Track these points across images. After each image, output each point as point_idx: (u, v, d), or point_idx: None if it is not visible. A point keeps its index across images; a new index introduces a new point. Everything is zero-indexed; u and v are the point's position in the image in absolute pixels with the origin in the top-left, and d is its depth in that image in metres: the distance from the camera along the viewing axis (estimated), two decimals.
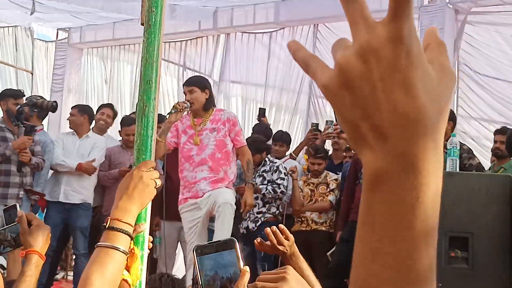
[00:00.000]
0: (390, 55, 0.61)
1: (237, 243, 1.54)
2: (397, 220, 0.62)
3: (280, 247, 2.41)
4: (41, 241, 2.35)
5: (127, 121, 7.57)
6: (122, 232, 1.89)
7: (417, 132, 0.61)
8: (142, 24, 2.30)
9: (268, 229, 2.50)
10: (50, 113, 7.75)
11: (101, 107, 8.44)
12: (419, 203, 0.62)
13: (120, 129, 7.93)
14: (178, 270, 7.79)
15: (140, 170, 2.05)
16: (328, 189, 7.24)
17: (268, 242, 2.48)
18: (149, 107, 2.24)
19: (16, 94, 7.22)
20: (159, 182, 2.08)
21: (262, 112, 9.09)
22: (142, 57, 2.27)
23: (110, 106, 8.57)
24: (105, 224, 1.92)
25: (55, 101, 6.94)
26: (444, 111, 0.63)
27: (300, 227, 7.19)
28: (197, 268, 1.58)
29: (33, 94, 9.52)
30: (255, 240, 2.55)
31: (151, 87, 2.25)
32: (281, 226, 2.53)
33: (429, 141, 0.62)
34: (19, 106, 6.84)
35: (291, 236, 2.50)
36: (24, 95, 7.29)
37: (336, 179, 7.29)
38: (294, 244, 2.47)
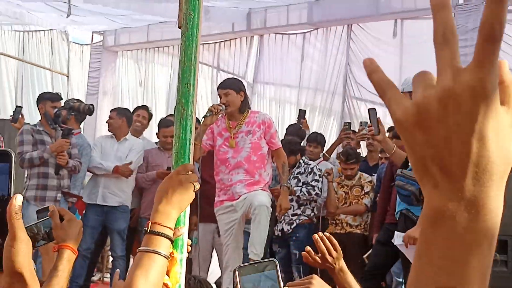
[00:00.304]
0: (470, 104, 0.63)
1: (277, 264, 1.54)
2: (455, 257, 0.65)
3: (328, 260, 2.38)
4: (73, 236, 2.35)
5: (164, 123, 7.61)
6: (163, 236, 1.90)
7: (485, 179, 0.64)
8: (180, 28, 2.29)
9: (316, 236, 2.47)
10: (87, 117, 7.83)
11: (137, 109, 8.49)
12: (477, 243, 0.65)
13: (157, 131, 7.97)
14: (212, 273, 7.80)
15: (179, 173, 2.05)
16: (363, 192, 7.20)
17: (315, 256, 2.44)
18: (188, 110, 2.24)
19: (54, 97, 7.28)
20: (197, 185, 2.06)
21: (302, 113, 9.05)
22: (180, 60, 2.26)
23: (145, 108, 8.62)
24: (146, 228, 1.93)
25: (92, 104, 7.01)
26: (511, 159, 0.66)
27: (335, 229, 7.15)
28: (239, 285, 1.58)
29: (69, 98, 9.63)
30: (304, 252, 2.51)
31: (189, 90, 2.25)
32: (328, 234, 2.49)
33: (494, 189, 0.65)
34: (56, 109, 6.91)
35: (339, 249, 2.46)
36: (62, 98, 7.37)
37: (370, 181, 7.23)
38: (342, 259, 2.43)
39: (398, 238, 5.39)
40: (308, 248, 2.48)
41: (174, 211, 1.97)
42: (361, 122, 7.65)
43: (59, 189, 6.93)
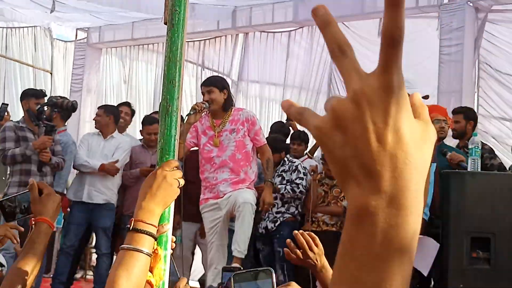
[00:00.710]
0: (382, 101, 0.67)
1: (273, 273, 1.55)
2: (376, 252, 0.67)
3: (310, 257, 2.38)
4: (51, 210, 2.34)
5: (148, 121, 7.59)
6: (146, 233, 1.89)
7: (404, 173, 0.66)
8: (165, 23, 2.28)
9: (296, 231, 2.47)
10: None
11: (119, 105, 8.45)
12: (398, 238, 0.66)
13: (141, 128, 7.95)
14: (195, 271, 7.81)
15: (164, 169, 2.03)
16: (342, 194, 7.21)
17: (295, 254, 2.44)
18: (173, 106, 2.23)
19: (38, 94, 7.23)
20: (182, 182, 2.06)
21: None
22: (165, 56, 2.26)
23: (127, 104, 8.61)
24: (129, 225, 1.92)
25: (75, 101, 6.97)
26: (427, 160, 0.68)
27: (311, 227, 7.15)
28: None
29: (53, 95, 9.56)
30: (285, 249, 2.51)
31: (175, 87, 2.25)
32: (311, 233, 2.50)
33: (414, 183, 0.67)
34: (39, 106, 6.86)
35: (320, 245, 2.46)
36: (46, 95, 7.30)
37: None
38: (324, 256, 2.44)
39: None
40: (291, 243, 2.48)
41: (158, 207, 1.96)
42: None
43: None
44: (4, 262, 5.31)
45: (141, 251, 1.86)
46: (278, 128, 8.16)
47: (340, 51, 0.70)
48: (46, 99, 7.20)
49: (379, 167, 0.66)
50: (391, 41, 0.68)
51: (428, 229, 5.27)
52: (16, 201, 2.45)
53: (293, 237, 7.24)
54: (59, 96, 7.99)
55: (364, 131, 0.67)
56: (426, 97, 6.00)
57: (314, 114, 0.73)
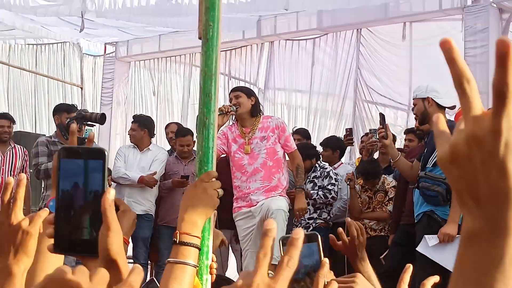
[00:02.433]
0: (490, 144, 0.77)
1: (319, 236, 1.63)
2: (482, 270, 0.80)
3: (355, 246, 2.41)
4: (126, 226, 2.37)
5: (181, 133, 7.69)
6: (191, 246, 1.93)
7: (507, 203, 0.78)
8: (200, 38, 2.34)
9: (348, 219, 2.52)
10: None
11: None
12: (502, 260, 0.79)
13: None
14: (230, 277, 7.86)
15: (203, 181, 2.08)
16: (387, 198, 7.20)
17: (343, 240, 2.48)
18: (209, 119, 2.28)
19: (69, 108, 7.35)
20: (221, 192, 2.10)
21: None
22: (201, 70, 2.32)
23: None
24: (175, 239, 1.95)
25: (103, 113, 7.05)
26: None
27: None
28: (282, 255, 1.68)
29: (83, 108, 9.68)
30: (331, 235, 2.53)
31: (211, 100, 2.29)
32: (360, 224, 2.54)
33: None
34: (68, 119, 6.94)
35: (364, 237, 2.50)
36: (77, 109, 7.41)
37: (394, 186, 7.19)
38: (365, 249, 2.47)
39: (430, 240, 5.41)
40: (342, 232, 2.52)
41: (200, 219, 2.00)
42: (370, 130, 7.67)
43: None
44: None
45: (188, 264, 1.90)
46: (298, 131, 8.21)
47: (460, 88, 0.82)
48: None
49: (486, 199, 0.78)
50: (499, 94, 0.77)
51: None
52: None
53: (325, 243, 7.21)
54: (86, 109, 8.10)
55: (474, 170, 0.78)
56: (452, 108, 6.01)
57: (442, 142, 0.84)
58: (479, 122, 0.79)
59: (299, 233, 1.05)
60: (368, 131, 8.71)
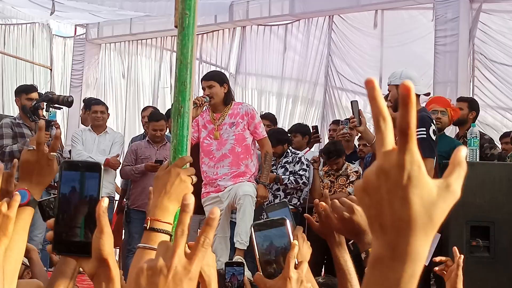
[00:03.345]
0: (395, 176, 0.84)
1: (287, 220, 1.70)
2: None
3: (332, 227, 2.39)
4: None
5: (154, 117, 7.64)
6: (162, 232, 1.92)
7: (407, 232, 0.84)
8: (176, 27, 2.33)
9: (316, 200, 2.48)
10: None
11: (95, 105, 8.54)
12: (399, 283, 0.85)
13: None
14: None
15: (177, 167, 2.07)
16: (348, 181, 7.28)
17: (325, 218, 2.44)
18: (185, 107, 2.27)
19: (28, 89, 7.25)
20: (195, 179, 2.09)
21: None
22: (176, 59, 2.31)
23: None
24: (146, 224, 1.94)
25: (71, 96, 6.96)
26: (436, 217, 0.85)
27: (317, 217, 7.21)
28: (255, 241, 1.73)
29: (52, 90, 9.61)
30: (306, 214, 2.54)
31: (186, 88, 2.28)
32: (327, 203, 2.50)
33: (417, 239, 0.85)
34: (35, 101, 6.86)
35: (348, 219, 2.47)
36: (37, 90, 7.31)
37: (356, 171, 7.30)
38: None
39: None
40: (307, 215, 2.51)
41: (173, 205, 1.98)
42: (341, 121, 7.73)
43: None
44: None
45: None
46: (266, 117, 8.23)
47: (376, 125, 0.87)
48: (41, 94, 7.20)
49: (389, 227, 0.85)
50: (402, 132, 0.84)
51: None
52: (49, 202, 2.49)
53: (294, 228, 7.24)
54: (53, 92, 8.03)
55: (381, 199, 0.85)
56: (427, 95, 6.05)
57: (363, 176, 0.90)
58: (388, 156, 0.85)
59: (215, 213, 1.08)
60: (337, 119, 8.77)
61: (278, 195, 7.12)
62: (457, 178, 0.87)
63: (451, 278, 2.88)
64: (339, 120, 8.68)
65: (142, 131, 8.64)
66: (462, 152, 0.88)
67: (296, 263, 1.62)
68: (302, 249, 2.10)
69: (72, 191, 1.44)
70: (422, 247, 0.86)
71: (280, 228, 1.71)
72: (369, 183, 0.86)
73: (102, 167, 1.47)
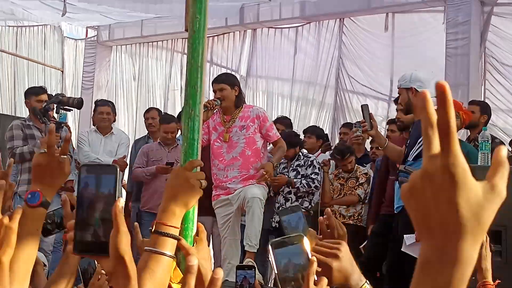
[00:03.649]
0: (439, 179, 0.84)
1: (304, 237, 1.70)
2: None
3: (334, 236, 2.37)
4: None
5: (166, 120, 7.66)
6: (168, 236, 1.91)
7: (455, 235, 0.84)
8: (186, 30, 2.33)
9: (328, 210, 2.46)
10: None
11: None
12: (448, 286, 0.85)
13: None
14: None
15: (186, 170, 2.06)
16: (358, 183, 7.28)
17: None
18: (195, 111, 2.27)
19: (37, 91, 7.27)
20: (204, 183, 2.08)
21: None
22: (187, 62, 2.31)
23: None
24: (151, 228, 1.94)
25: (81, 98, 6.98)
26: (484, 220, 0.85)
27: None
28: (273, 259, 1.75)
29: (63, 92, 9.63)
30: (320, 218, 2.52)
31: (197, 92, 2.28)
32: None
33: (465, 242, 0.84)
34: (45, 103, 6.85)
35: (344, 228, 2.44)
36: (46, 91, 7.34)
37: (366, 173, 7.31)
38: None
39: (408, 239, 5.44)
40: (321, 218, 2.47)
41: (179, 209, 1.98)
42: (354, 124, 7.73)
43: None
44: (45, 261, 5.37)
45: (164, 254, 1.88)
46: (278, 120, 8.24)
47: (424, 132, 0.87)
48: (52, 96, 7.22)
49: (436, 231, 0.85)
50: (443, 134, 0.84)
51: None
52: (51, 217, 2.52)
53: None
54: (63, 94, 8.05)
55: (426, 203, 0.86)
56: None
57: (409, 179, 0.90)
58: (432, 160, 0.85)
59: (219, 274, 1.13)
60: (347, 122, 8.76)
61: (290, 198, 7.13)
62: (501, 178, 0.87)
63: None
64: (350, 123, 8.67)
65: None
66: (503, 152, 0.88)
67: (316, 279, 1.62)
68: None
69: (89, 192, 1.48)
70: (471, 250, 0.85)
71: (297, 245, 1.73)
72: (415, 187, 0.87)
73: (118, 168, 1.51)
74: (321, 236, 2.43)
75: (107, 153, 7.69)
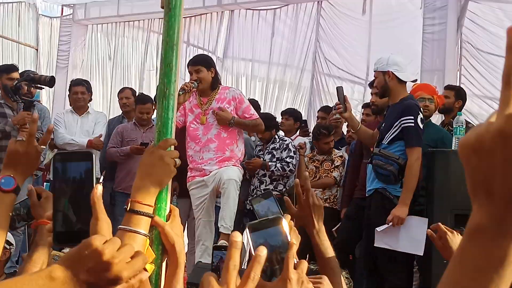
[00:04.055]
0: None
1: (283, 219, 1.67)
2: (480, 268, 0.79)
3: (311, 213, 2.37)
4: (51, 211, 2.38)
5: (141, 100, 7.61)
6: (142, 214, 1.89)
7: None
8: (162, 7, 2.30)
9: (296, 180, 2.46)
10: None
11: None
12: (503, 261, 0.78)
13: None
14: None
15: (160, 149, 2.04)
16: (333, 166, 7.30)
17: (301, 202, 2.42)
18: (170, 90, 2.24)
19: (8, 68, 7.17)
20: (178, 162, 2.06)
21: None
22: (162, 40, 2.28)
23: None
24: (126, 206, 1.91)
25: (53, 76, 6.86)
26: None
27: None
28: (250, 242, 1.72)
29: (37, 70, 9.53)
30: (285, 197, 2.51)
31: (172, 70, 2.26)
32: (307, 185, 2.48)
33: None
34: (16, 81, 6.73)
35: (321, 206, 2.46)
36: (18, 69, 7.23)
37: (341, 156, 7.33)
38: (322, 222, 2.43)
39: (380, 229, 5.46)
40: (286, 198, 2.47)
41: (154, 187, 1.95)
42: (333, 107, 7.75)
43: None
44: (12, 240, 5.33)
45: (138, 232, 1.86)
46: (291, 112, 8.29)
47: (507, 79, 0.78)
48: (19, 74, 7.13)
49: (499, 197, 0.77)
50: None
51: (412, 207, 5.37)
52: (17, 209, 2.49)
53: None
54: (34, 71, 7.95)
55: (494, 165, 0.77)
56: (414, 81, 6.05)
57: (475, 128, 0.81)
58: (511, 120, 0.76)
59: (263, 251, 1.15)
60: (325, 105, 8.77)
61: (264, 181, 7.14)
62: None
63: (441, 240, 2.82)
64: (328, 106, 8.68)
65: None
66: None
67: (295, 262, 1.61)
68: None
69: (66, 182, 1.47)
70: None
71: (275, 228, 1.70)
72: (482, 144, 0.77)
73: (94, 155, 1.51)
74: (297, 206, 2.43)
75: (84, 133, 7.64)
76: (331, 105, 8.29)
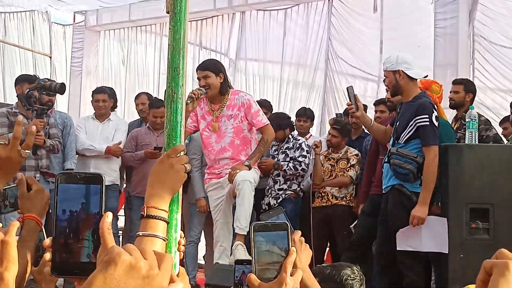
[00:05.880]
0: None
1: (289, 226, 1.69)
2: None
3: None
4: (39, 207, 2.31)
5: (155, 104, 7.63)
6: (159, 219, 1.93)
7: None
8: (168, 12, 2.32)
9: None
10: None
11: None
12: None
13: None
14: (202, 249, 7.93)
15: (170, 156, 2.06)
16: (349, 164, 7.29)
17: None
18: (178, 93, 2.26)
19: (30, 78, 7.21)
20: (188, 167, 2.09)
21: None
22: (169, 45, 2.30)
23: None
24: (142, 213, 1.94)
25: (63, 83, 6.88)
26: None
27: (321, 202, 7.26)
28: (253, 240, 1.73)
29: (52, 78, 9.59)
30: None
31: (179, 74, 2.28)
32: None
33: None
34: (28, 89, 6.72)
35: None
36: (37, 79, 7.30)
37: (356, 154, 7.32)
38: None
39: (400, 237, 5.48)
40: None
41: (167, 194, 1.99)
42: (336, 114, 7.77)
43: (37, 169, 6.85)
44: None
45: (157, 237, 1.90)
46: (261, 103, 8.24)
47: None
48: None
49: None
50: None
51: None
52: (2, 194, 2.37)
53: (294, 213, 7.25)
54: (46, 78, 8.01)
55: None
56: (426, 77, 6.04)
57: None
58: None
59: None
60: (337, 117, 8.69)
61: (278, 181, 7.15)
62: None
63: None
64: (340, 114, 8.67)
65: None
66: None
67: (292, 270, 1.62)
68: (301, 255, 2.09)
69: (70, 206, 1.31)
70: None
71: (281, 233, 1.72)
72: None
73: (104, 178, 1.34)
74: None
75: (104, 139, 7.70)
76: (344, 103, 8.30)
